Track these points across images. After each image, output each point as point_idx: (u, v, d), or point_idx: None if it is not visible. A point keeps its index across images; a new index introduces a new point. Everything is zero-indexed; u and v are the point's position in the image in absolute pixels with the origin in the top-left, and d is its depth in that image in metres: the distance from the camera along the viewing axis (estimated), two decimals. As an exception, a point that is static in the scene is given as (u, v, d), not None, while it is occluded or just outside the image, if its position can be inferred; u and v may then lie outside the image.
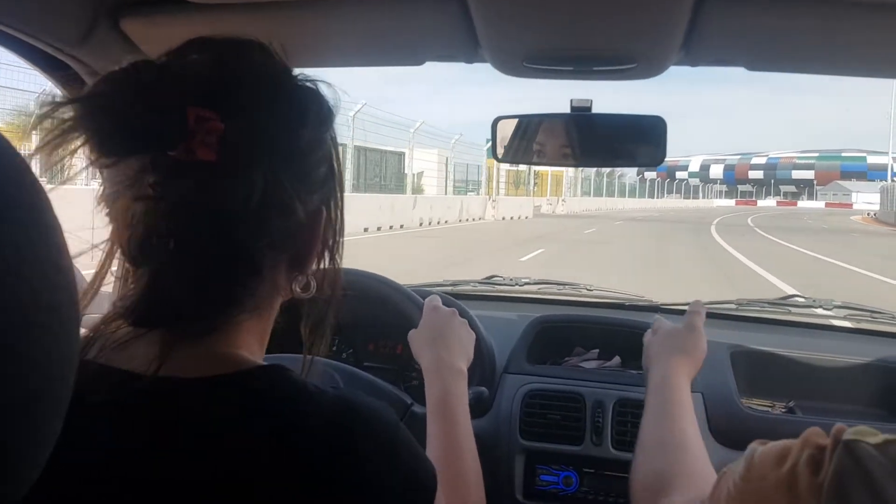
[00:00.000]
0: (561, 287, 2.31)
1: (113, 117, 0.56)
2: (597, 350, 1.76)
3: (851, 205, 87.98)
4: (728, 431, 1.50)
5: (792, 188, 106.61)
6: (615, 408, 1.49)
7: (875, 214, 48.29)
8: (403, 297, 1.43)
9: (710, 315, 2.09)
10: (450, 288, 2.25)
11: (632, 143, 1.38)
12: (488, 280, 2.37)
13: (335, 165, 0.70)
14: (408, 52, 1.22)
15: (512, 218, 27.54)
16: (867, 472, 0.45)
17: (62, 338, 0.38)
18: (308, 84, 0.67)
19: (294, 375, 0.63)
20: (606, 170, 52.43)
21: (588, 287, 2.27)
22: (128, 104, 0.56)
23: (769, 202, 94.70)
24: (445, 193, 26.37)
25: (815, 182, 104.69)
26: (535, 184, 35.59)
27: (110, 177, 0.61)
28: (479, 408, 1.51)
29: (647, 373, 1.13)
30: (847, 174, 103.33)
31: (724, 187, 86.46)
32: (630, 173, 61.82)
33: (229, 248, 0.60)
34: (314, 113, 0.66)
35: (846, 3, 0.90)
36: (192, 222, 0.59)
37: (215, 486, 0.56)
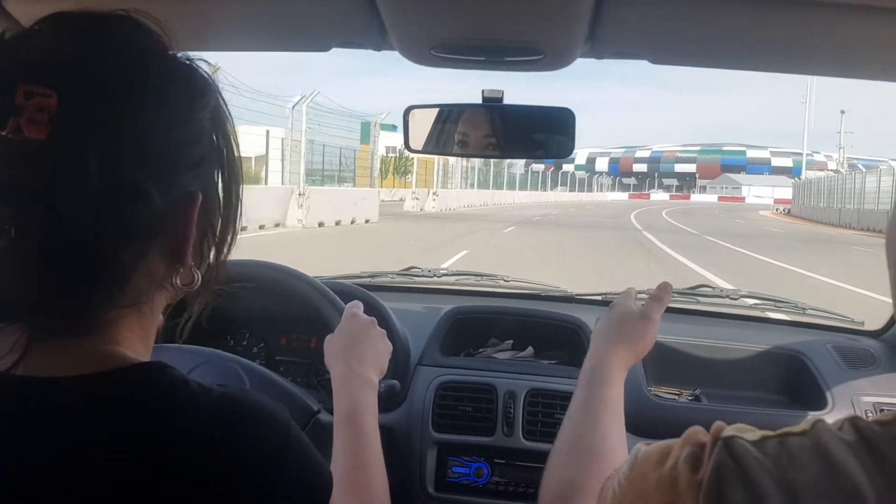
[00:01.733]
0: (479, 278, 2.32)
1: None
2: (511, 341, 1.77)
3: (744, 198, 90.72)
4: (636, 420, 1.52)
5: (674, 181, 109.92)
6: (526, 398, 1.50)
7: (788, 210, 48.40)
8: (321, 297, 1.40)
9: None
10: (367, 279, 2.22)
11: (542, 134, 1.38)
12: (406, 271, 2.36)
13: (218, 147, 0.66)
14: (313, 37, 1.18)
15: (338, 223, 18.99)
16: (744, 469, 0.45)
17: None
18: (178, 61, 0.63)
19: (176, 373, 0.60)
20: (497, 160, 50.93)
21: (505, 278, 2.29)
22: None
23: (661, 196, 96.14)
24: (282, 183, 20.45)
25: (697, 175, 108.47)
26: (405, 171, 32.12)
27: None
28: (391, 401, 1.50)
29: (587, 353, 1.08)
30: (727, 167, 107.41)
31: (609, 180, 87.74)
32: (518, 165, 59.93)
33: (71, 236, 0.56)
34: (178, 90, 0.62)
35: None
36: (28, 207, 0.55)
37: (86, 493, 0.53)
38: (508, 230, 20.37)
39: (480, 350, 1.76)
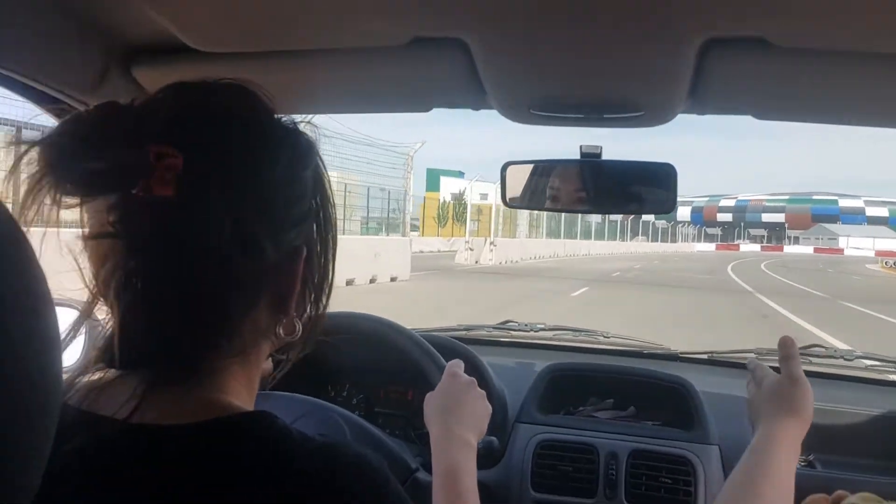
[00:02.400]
0: (577, 333, 2.28)
1: (72, 158, 0.56)
2: (611, 400, 1.73)
3: (842, 250, 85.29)
4: None
5: (762, 231, 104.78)
6: (629, 459, 1.45)
7: (894, 263, 44.09)
8: (421, 352, 1.41)
9: (731, 364, 2.05)
10: (463, 332, 2.23)
11: (642, 189, 1.37)
12: (503, 325, 2.35)
13: (320, 204, 0.69)
14: (415, 99, 1.22)
15: (349, 282, 13.85)
16: None
17: (40, 385, 0.37)
18: (285, 125, 0.67)
19: (280, 423, 0.61)
20: None
21: (605, 334, 2.24)
22: (88, 144, 0.56)
23: (751, 247, 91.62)
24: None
25: (786, 225, 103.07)
26: (469, 219, 28.27)
27: (89, 216, 0.61)
28: (489, 458, 1.48)
29: (753, 431, 1.04)
30: (819, 217, 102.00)
31: (693, 230, 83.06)
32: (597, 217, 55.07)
33: (194, 288, 0.59)
34: (287, 151, 0.65)
35: (850, 54, 0.89)
36: (153, 261, 0.58)
37: None
38: (579, 292, 15.98)
39: (580, 408, 1.72)
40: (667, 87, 1.05)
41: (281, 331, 0.67)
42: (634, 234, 61.39)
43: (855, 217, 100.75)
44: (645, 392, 1.71)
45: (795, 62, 0.92)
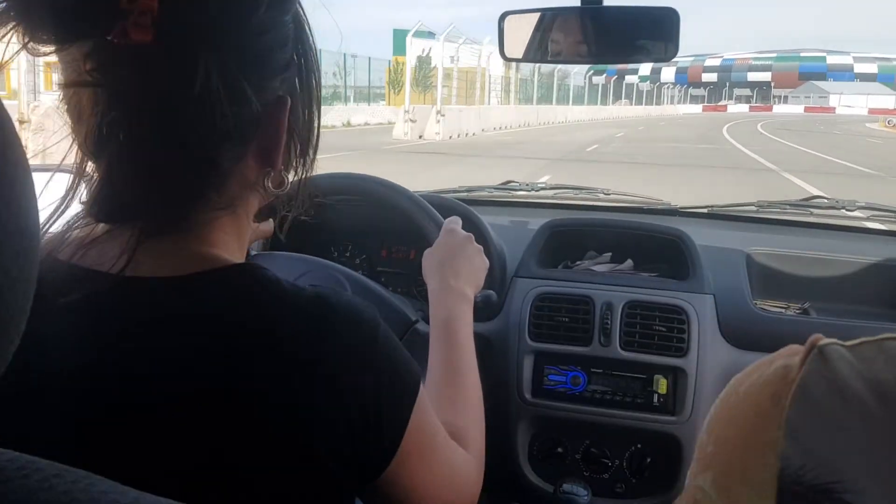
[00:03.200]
0: (577, 192, 2.29)
1: (40, 4, 0.53)
2: (609, 254, 1.75)
3: (833, 109, 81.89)
4: (740, 333, 1.50)
5: (747, 91, 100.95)
6: (624, 309, 1.49)
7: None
8: (420, 211, 1.42)
9: (730, 217, 2.06)
10: (465, 194, 2.23)
11: (644, 36, 1.32)
12: (504, 185, 2.35)
13: (302, 53, 0.66)
14: None
15: None
16: (835, 372, 0.44)
17: (16, 229, 0.37)
18: None
19: (268, 273, 0.62)
20: (549, 70, 41.04)
21: (605, 191, 2.24)
22: None
23: (739, 107, 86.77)
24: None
25: (772, 84, 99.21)
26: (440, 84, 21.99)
27: (63, 65, 0.59)
28: (488, 311, 1.52)
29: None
30: (806, 75, 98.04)
31: (677, 91, 78.47)
32: (575, 76, 48.51)
33: (178, 138, 0.58)
34: None
35: None
36: (136, 110, 0.57)
37: (189, 384, 0.57)
38: (542, 180, 8.89)
39: (578, 263, 1.75)
40: None
41: (269, 183, 0.66)
42: (617, 97, 57.23)
43: (843, 74, 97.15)
44: (643, 245, 1.73)
45: None
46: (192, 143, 0.59)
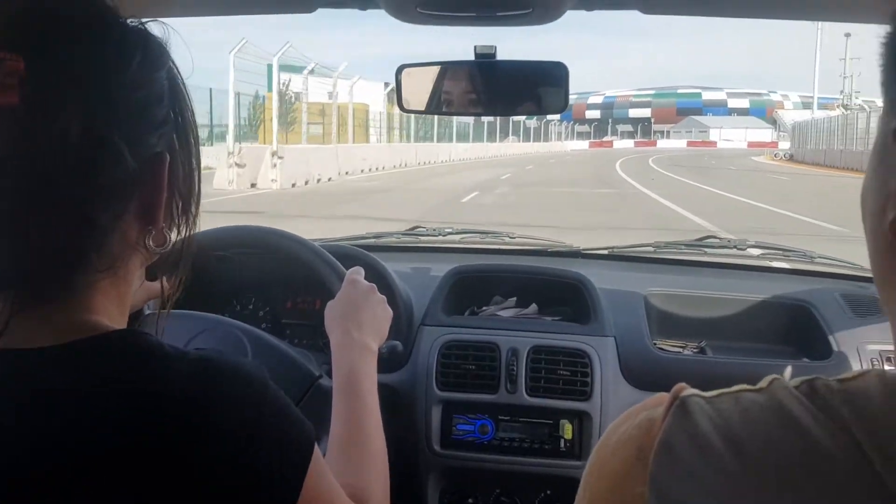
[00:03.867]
0: (483, 236, 2.32)
1: None
2: (514, 298, 1.77)
3: (715, 143, 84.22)
4: (640, 374, 1.53)
5: (629, 127, 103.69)
6: (529, 354, 1.51)
7: (787, 154, 42.10)
8: (322, 263, 1.41)
9: (629, 258, 2.13)
10: (373, 240, 2.23)
11: (536, 89, 1.36)
12: (412, 231, 2.36)
13: (178, 108, 0.66)
14: None
15: None
16: (695, 425, 0.45)
17: None
18: (132, 25, 0.63)
19: (151, 339, 0.60)
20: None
21: (510, 235, 2.28)
22: None
23: (624, 143, 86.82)
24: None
25: (652, 120, 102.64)
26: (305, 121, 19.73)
27: None
28: (394, 361, 1.51)
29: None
30: (683, 111, 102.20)
31: (563, 128, 77.00)
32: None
33: (52, 199, 0.57)
34: (137, 52, 0.62)
35: None
36: (6, 173, 0.55)
37: (64, 462, 0.54)
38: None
39: (484, 308, 1.77)
40: None
41: (151, 242, 0.65)
42: (505, 134, 57.24)
43: (718, 109, 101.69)
44: (547, 289, 1.76)
45: None
46: (66, 204, 0.57)
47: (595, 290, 1.66)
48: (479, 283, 1.80)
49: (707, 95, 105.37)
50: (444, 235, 2.31)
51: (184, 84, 0.67)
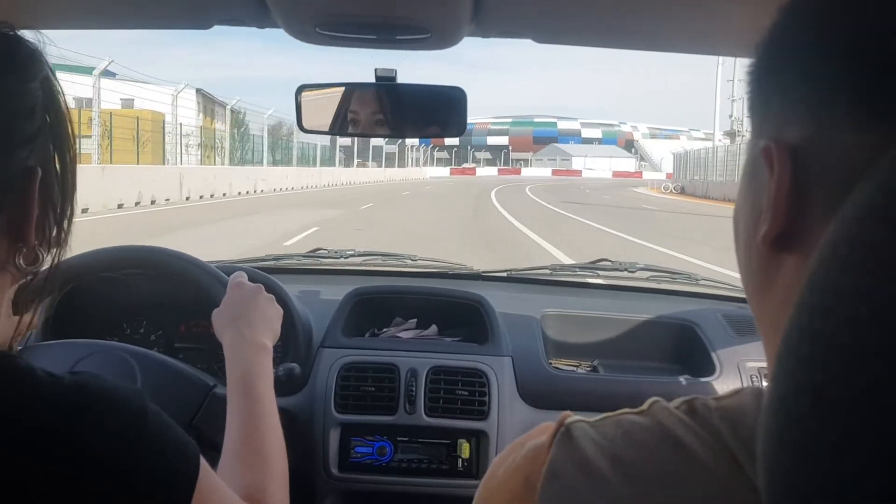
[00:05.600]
0: (385, 258, 2.32)
1: None
2: (415, 320, 1.78)
3: (580, 172, 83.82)
4: (536, 393, 1.57)
5: (487, 154, 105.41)
6: (428, 375, 1.51)
7: (678, 187, 38.74)
8: (206, 275, 1.37)
9: (526, 280, 2.18)
10: (272, 262, 2.19)
11: (436, 112, 1.38)
12: (313, 253, 2.34)
13: (53, 120, 0.63)
14: (192, 13, 1.14)
15: None
16: (581, 450, 0.46)
17: None
18: (3, 32, 0.60)
19: (19, 362, 0.57)
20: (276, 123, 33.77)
21: (412, 257, 2.29)
22: None
23: (488, 170, 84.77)
24: None
25: (510, 148, 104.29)
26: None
27: None
28: (291, 385, 1.48)
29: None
30: (539, 139, 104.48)
31: (421, 153, 75.49)
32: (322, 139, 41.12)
33: None
34: (5, 60, 0.59)
35: None
36: None
37: None
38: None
39: (385, 330, 1.77)
40: (451, 8, 1.06)
41: (21, 261, 0.62)
42: (365, 158, 52.13)
43: (571, 138, 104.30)
44: (447, 311, 1.78)
45: None
46: None
47: (493, 311, 1.69)
48: (380, 304, 1.80)
49: (562, 125, 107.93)
50: (345, 258, 2.30)
51: (62, 94, 0.65)
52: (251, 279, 1.24)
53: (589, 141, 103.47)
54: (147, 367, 1.22)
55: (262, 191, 26.28)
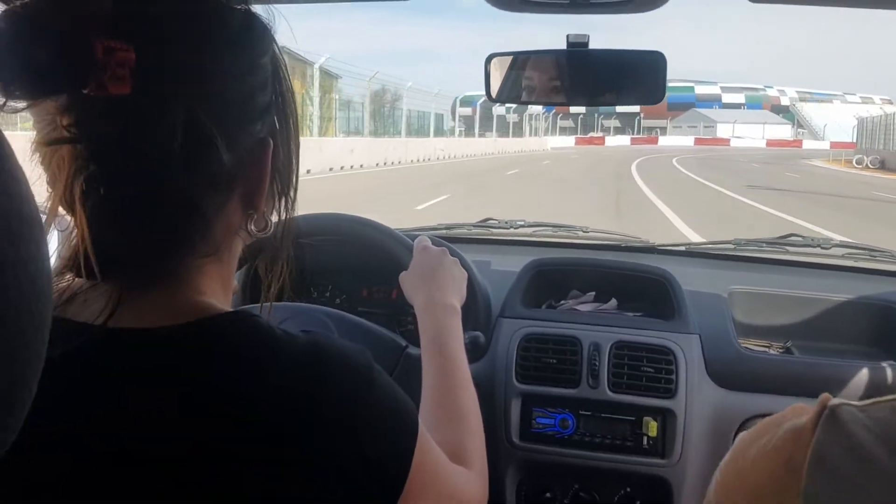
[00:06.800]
0: (556, 229, 2.29)
1: (13, 59, 0.51)
2: (593, 293, 1.75)
3: (728, 140, 75.12)
4: (726, 374, 1.50)
5: (616, 122, 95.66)
6: (612, 350, 1.48)
7: (871, 160, 31.55)
8: (392, 240, 1.41)
9: (709, 255, 2.08)
10: (444, 231, 2.22)
11: (630, 79, 1.33)
12: (483, 223, 2.35)
13: (280, 93, 0.65)
14: None
15: None
16: (851, 435, 0.43)
17: (32, 292, 0.35)
18: (237, 9, 0.62)
19: (261, 321, 0.60)
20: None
21: (584, 229, 2.25)
22: (30, 42, 0.51)
23: (618, 140, 74.76)
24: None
25: (641, 115, 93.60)
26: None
27: (36, 119, 0.57)
28: (475, 352, 1.50)
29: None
30: (674, 106, 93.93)
31: (544, 122, 66.72)
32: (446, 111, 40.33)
33: (161, 189, 0.57)
34: (243, 36, 0.61)
35: None
36: (117, 163, 0.55)
37: (179, 441, 0.55)
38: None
39: (562, 302, 1.75)
40: None
41: (252, 227, 0.65)
42: (486, 129, 47.67)
43: (711, 103, 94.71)
44: (626, 284, 1.73)
45: None
46: (175, 193, 0.58)
47: (679, 287, 1.62)
48: (557, 276, 1.77)
49: (700, 89, 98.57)
50: (515, 228, 2.29)
51: (285, 66, 0.66)
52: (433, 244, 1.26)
53: (731, 106, 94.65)
54: (344, 327, 1.27)
55: (381, 163, 23.31)
